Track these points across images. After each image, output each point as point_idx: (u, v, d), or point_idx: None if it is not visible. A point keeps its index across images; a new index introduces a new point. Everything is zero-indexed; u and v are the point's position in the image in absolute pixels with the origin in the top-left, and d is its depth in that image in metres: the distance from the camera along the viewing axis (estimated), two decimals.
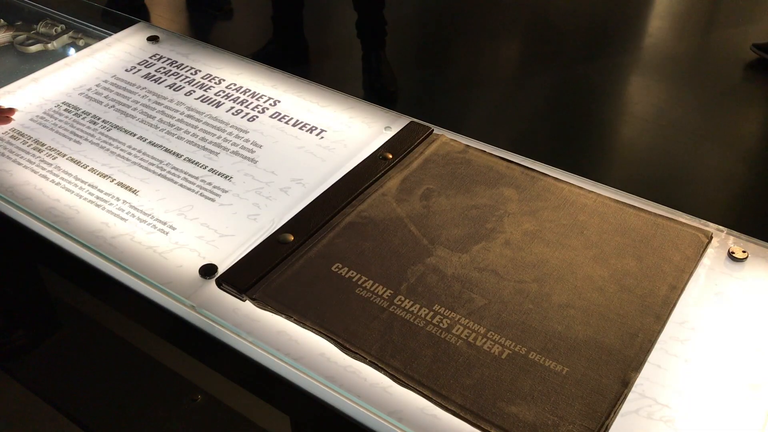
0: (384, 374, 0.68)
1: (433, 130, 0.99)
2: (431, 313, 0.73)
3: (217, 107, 1.05)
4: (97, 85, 1.10)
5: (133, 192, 0.90)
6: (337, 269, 0.78)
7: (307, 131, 1.00)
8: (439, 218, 0.85)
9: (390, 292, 0.75)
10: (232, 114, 1.04)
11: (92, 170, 0.93)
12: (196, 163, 0.94)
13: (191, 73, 1.13)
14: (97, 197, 0.89)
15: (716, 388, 0.67)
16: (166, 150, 0.97)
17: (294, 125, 1.02)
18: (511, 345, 0.70)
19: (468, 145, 0.96)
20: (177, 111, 1.04)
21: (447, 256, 0.80)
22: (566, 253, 0.80)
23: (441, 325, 0.72)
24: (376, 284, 0.76)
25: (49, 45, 1.24)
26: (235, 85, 1.10)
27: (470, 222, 0.84)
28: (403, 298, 0.75)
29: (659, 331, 0.71)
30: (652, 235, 0.82)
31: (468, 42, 2.79)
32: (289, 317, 0.73)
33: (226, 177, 0.92)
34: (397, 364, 0.68)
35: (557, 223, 0.84)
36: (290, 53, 2.46)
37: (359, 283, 0.77)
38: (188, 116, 1.03)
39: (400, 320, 0.73)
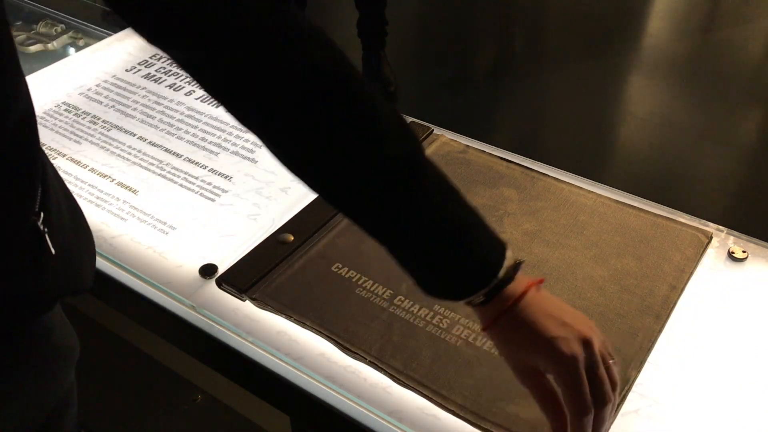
0: (384, 374, 0.68)
1: (433, 130, 0.99)
2: (431, 313, 0.73)
3: (217, 107, 1.05)
4: (97, 85, 1.10)
5: (133, 192, 0.90)
6: (336, 269, 0.78)
7: None
8: None
9: (390, 292, 0.75)
10: None
11: (92, 170, 0.93)
12: (196, 163, 0.94)
13: None
14: (97, 197, 0.89)
15: (716, 388, 0.67)
16: (166, 150, 0.97)
17: None
18: None
19: (468, 145, 0.96)
20: (177, 111, 1.04)
21: None
22: (566, 253, 0.80)
23: (441, 325, 0.72)
24: (376, 284, 0.76)
25: (49, 45, 1.24)
26: None
27: None
28: (403, 298, 0.75)
29: (659, 331, 0.71)
30: (652, 235, 0.82)
31: (468, 42, 2.79)
32: (289, 317, 0.73)
33: (226, 177, 0.92)
34: (397, 365, 0.68)
35: (557, 223, 0.84)
36: None
37: (359, 283, 0.77)
38: (188, 116, 1.03)
39: (400, 320, 0.73)
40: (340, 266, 0.79)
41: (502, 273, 0.57)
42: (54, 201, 0.55)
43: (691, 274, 0.77)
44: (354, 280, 0.77)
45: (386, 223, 0.57)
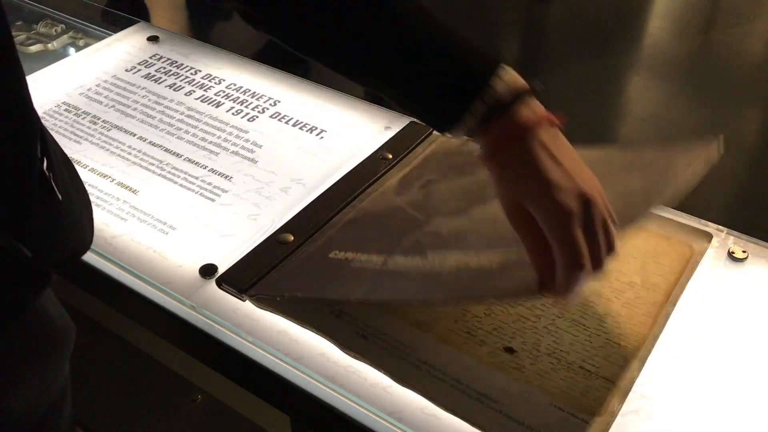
0: (370, 308, 0.68)
1: (433, 129, 0.99)
2: (424, 259, 0.72)
3: (217, 107, 1.05)
4: (97, 85, 1.10)
5: (133, 192, 0.90)
6: (334, 255, 0.79)
7: (307, 131, 1.00)
8: (438, 197, 0.84)
9: (384, 257, 0.75)
10: (232, 114, 1.04)
11: (92, 170, 0.93)
12: (196, 163, 0.94)
13: (191, 73, 1.13)
14: (97, 197, 0.89)
15: (716, 388, 0.67)
16: (166, 150, 0.97)
17: (294, 125, 1.02)
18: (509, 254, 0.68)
19: (469, 138, 0.97)
20: (177, 111, 1.04)
21: (444, 222, 0.79)
22: None
23: (433, 262, 0.71)
24: (371, 255, 0.76)
25: (49, 45, 1.24)
26: (235, 85, 1.10)
27: (469, 194, 0.82)
28: (396, 257, 0.74)
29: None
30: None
31: None
32: (282, 297, 0.74)
33: (226, 177, 0.92)
34: (387, 296, 0.68)
35: None
36: (291, 53, 2.46)
37: (354, 258, 0.77)
38: (188, 116, 1.03)
39: (391, 271, 0.72)
40: (338, 252, 0.79)
41: (499, 86, 0.55)
42: (52, 149, 0.56)
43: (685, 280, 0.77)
44: (349, 258, 0.77)
45: (369, 60, 0.60)
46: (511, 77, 0.56)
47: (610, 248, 0.56)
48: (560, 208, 0.53)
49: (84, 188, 0.66)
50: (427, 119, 0.61)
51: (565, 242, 0.54)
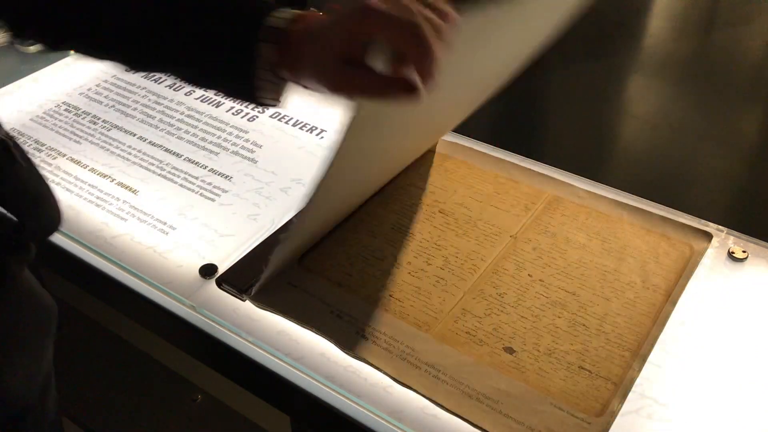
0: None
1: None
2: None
3: (217, 107, 1.05)
4: (97, 85, 1.10)
5: (133, 192, 0.90)
6: None
7: (307, 131, 1.00)
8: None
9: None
10: (232, 114, 1.04)
11: (92, 170, 0.93)
12: (196, 163, 0.94)
13: None
14: (97, 197, 0.89)
15: (716, 388, 0.67)
16: (166, 150, 0.97)
17: (294, 125, 1.02)
18: None
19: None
20: (177, 111, 1.04)
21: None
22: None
23: None
24: None
25: None
26: None
27: None
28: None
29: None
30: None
31: None
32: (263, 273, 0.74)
33: (226, 177, 0.92)
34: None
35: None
36: None
37: None
38: (188, 116, 1.03)
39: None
40: None
41: (280, 15, 0.56)
42: (1, 124, 0.57)
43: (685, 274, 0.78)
44: None
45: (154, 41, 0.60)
46: (286, 11, 0.57)
47: (442, 15, 0.52)
48: (359, 14, 0.51)
49: (36, 168, 0.66)
50: (234, 87, 0.61)
51: (389, 23, 0.51)
